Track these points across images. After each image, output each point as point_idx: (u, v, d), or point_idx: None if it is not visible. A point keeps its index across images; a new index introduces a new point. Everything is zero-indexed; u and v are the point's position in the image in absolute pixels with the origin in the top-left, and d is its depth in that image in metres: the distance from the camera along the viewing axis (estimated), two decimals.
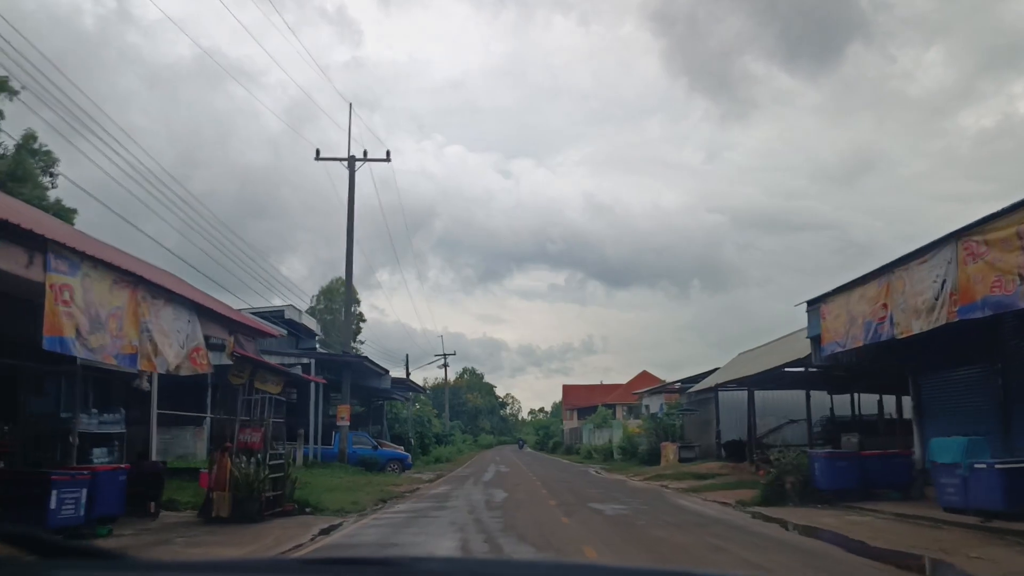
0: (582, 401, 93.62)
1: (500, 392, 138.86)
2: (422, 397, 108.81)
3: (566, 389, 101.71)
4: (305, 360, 28.19)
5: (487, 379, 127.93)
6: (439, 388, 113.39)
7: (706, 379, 31.98)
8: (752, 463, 28.55)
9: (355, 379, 32.94)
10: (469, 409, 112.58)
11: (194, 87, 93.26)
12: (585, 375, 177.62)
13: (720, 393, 34.09)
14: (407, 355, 53.34)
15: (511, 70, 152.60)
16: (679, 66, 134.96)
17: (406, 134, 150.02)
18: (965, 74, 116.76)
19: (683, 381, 39.36)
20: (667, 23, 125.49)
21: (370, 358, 33.04)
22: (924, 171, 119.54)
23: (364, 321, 64.30)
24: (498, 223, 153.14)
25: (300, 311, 35.94)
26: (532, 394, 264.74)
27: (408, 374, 50.94)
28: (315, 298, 59.73)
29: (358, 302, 62.12)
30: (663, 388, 41.81)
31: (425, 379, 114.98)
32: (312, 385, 28.04)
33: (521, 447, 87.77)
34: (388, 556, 1.98)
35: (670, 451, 36.17)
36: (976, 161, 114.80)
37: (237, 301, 32.67)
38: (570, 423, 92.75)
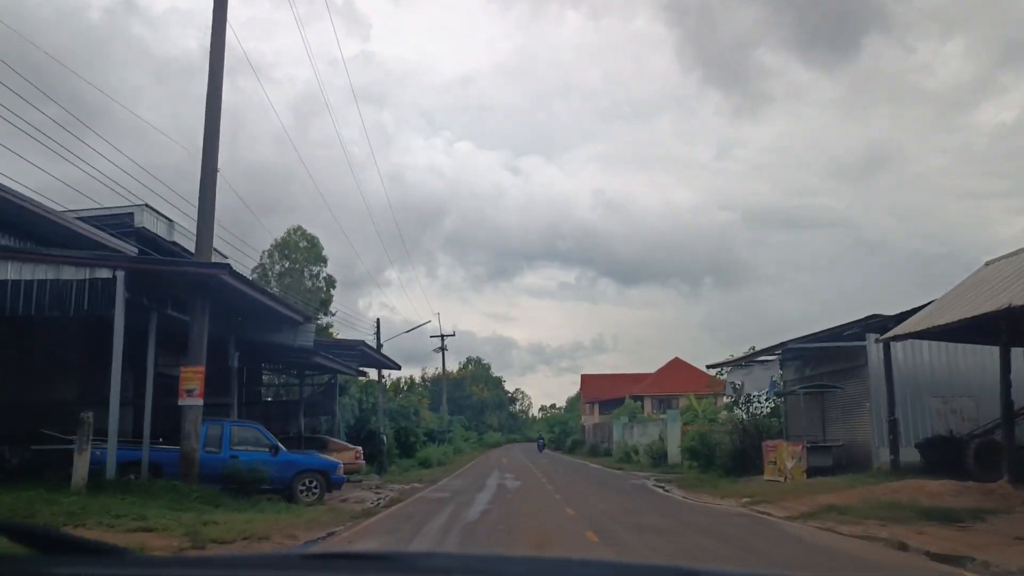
0: (604, 393, 78.68)
1: (509, 387, 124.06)
2: (419, 389, 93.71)
3: (585, 380, 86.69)
4: (104, 272, 13.35)
5: (494, 372, 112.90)
6: (439, 380, 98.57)
7: (905, 322, 16.94)
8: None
9: (243, 328, 18.18)
10: (474, 403, 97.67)
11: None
12: (593, 371, 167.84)
13: (893, 353, 19.19)
14: (378, 319, 38.51)
15: (520, 66, 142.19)
16: (692, 59, 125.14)
17: (415, 131, 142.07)
18: (984, 67, 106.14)
19: (784, 345, 24.18)
20: (680, 13, 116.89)
21: (255, 283, 17.68)
22: (939, 167, 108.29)
23: (335, 287, 49.33)
24: (508, 221, 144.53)
25: (171, 223, 20.99)
26: (542, 392, 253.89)
27: (380, 346, 36.31)
28: (266, 253, 44.91)
29: (324, 260, 47.31)
30: (759, 356, 26.50)
31: (424, 369, 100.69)
32: (115, 319, 13.24)
33: (541, 448, 67.93)
34: (390, 552, 2.04)
35: (785, 455, 21.26)
36: (993, 157, 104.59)
37: None
38: (590, 418, 77.79)
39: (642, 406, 69.41)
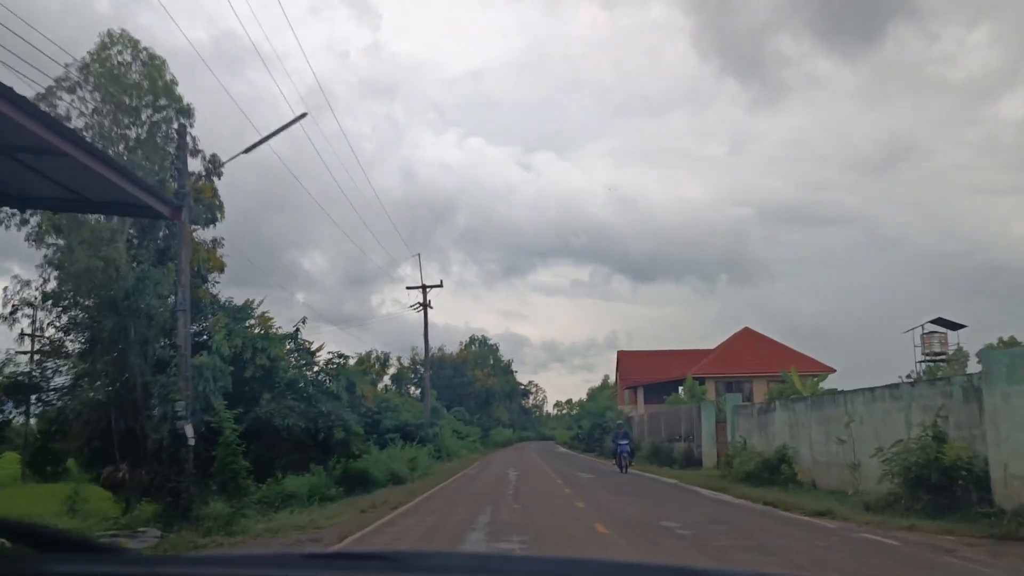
0: (648, 374, 56.32)
1: (522, 379, 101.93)
2: (406, 373, 70.52)
3: (623, 358, 64.15)
4: None
5: (503, 356, 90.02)
6: (436, 360, 76.14)
7: None
8: None
9: None
10: (477, 391, 75.31)
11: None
12: (609, 369, 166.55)
13: None
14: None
15: (532, 60, 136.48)
16: (709, 47, 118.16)
17: (425, 125, 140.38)
18: (1011, 56, 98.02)
19: None
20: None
21: None
22: (961, 161, 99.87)
23: (221, 174, 26.84)
24: (520, 217, 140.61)
25: None
26: (555, 389, 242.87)
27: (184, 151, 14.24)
28: (64, 83, 22.51)
29: (187, 112, 24.88)
30: None
31: (414, 349, 78.19)
32: None
33: (625, 462, 29.40)
34: (390, 551, 1.92)
35: None
36: (1016, 150, 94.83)
37: None
38: (634, 408, 55.38)
39: (704, 391, 47.58)
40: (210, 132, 40.33)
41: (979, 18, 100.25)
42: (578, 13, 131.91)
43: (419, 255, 44.15)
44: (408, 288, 44.20)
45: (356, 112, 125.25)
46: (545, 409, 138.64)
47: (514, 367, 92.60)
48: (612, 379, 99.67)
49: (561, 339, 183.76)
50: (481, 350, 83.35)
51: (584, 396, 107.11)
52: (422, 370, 75.08)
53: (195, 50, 75.10)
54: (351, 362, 41.45)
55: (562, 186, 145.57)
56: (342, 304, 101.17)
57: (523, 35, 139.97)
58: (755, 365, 52.02)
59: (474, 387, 74.94)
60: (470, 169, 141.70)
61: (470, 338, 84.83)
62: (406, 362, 76.94)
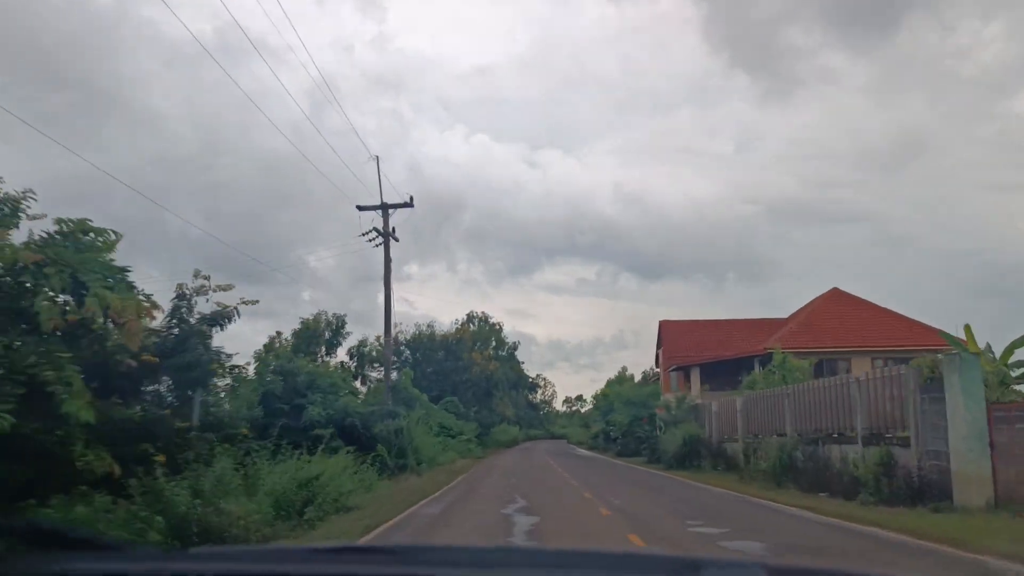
0: (704, 350, 40.76)
1: (528, 371, 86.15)
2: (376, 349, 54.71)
3: (667, 329, 47.91)
4: None
5: (507, 339, 74.09)
6: (421, 339, 60.45)
7: None
8: None
9: None
10: (475, 379, 59.38)
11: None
12: (614, 369, 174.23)
13: None
14: None
15: (538, 56, 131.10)
16: (719, 39, 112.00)
17: (430, 122, 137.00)
18: None
19: None
20: None
21: None
22: (973, 158, 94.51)
23: None
24: (526, 215, 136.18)
25: None
26: (560, 388, 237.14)
27: None
28: None
29: None
30: None
31: (398, 325, 62.43)
32: None
33: None
34: (394, 545, 1.97)
35: None
36: None
37: None
38: (686, 395, 39.45)
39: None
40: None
41: (996, 11, 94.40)
42: (585, 7, 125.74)
43: (377, 158, 28.17)
44: (360, 208, 28.49)
45: (361, 107, 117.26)
46: (554, 405, 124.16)
47: (520, 357, 76.96)
48: (630, 370, 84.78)
49: (567, 338, 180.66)
50: (481, 329, 67.56)
51: (592, 395, 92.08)
52: (405, 352, 59.84)
53: (200, 43, 65.28)
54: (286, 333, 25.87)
55: (569, 183, 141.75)
56: (350, 302, 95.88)
57: (530, 30, 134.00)
58: (855, 337, 36.71)
59: (471, 373, 59.17)
60: (476, 166, 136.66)
61: (467, 315, 69.11)
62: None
